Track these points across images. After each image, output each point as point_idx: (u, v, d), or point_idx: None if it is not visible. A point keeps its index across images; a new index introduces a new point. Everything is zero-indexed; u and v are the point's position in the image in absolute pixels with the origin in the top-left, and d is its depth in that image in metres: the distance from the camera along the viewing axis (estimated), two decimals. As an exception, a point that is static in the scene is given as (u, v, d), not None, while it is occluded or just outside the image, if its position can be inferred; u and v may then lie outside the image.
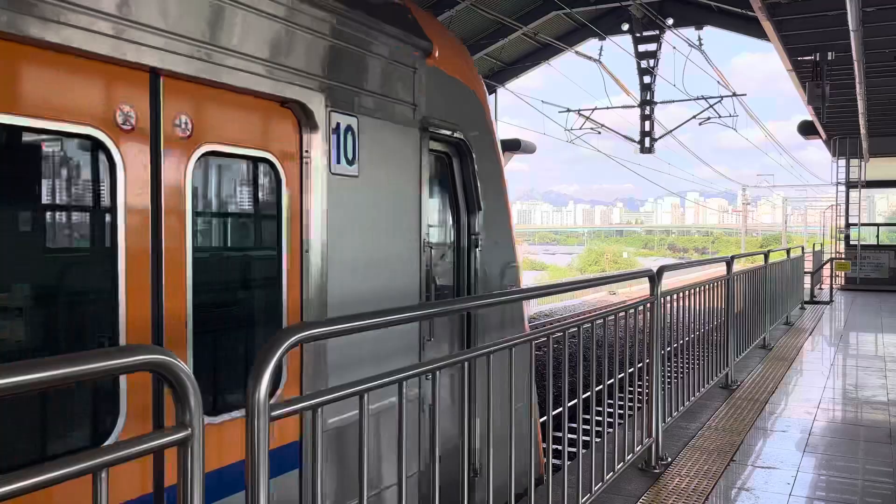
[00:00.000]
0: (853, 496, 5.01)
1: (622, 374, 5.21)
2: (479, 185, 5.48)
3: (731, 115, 23.38)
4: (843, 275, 23.41)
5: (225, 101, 3.32)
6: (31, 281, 2.76)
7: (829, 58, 13.69)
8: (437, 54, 4.86)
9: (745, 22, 19.24)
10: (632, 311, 5.03)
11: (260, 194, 3.62)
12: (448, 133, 5.09)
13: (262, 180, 3.60)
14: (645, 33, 21.25)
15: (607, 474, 4.53)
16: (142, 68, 2.91)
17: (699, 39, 20.77)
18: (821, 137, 24.06)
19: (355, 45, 4.03)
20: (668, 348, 7.27)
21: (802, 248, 18.67)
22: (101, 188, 2.88)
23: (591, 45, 22.92)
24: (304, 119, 3.71)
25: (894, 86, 15.69)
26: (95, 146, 2.82)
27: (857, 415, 7.16)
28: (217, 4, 3.18)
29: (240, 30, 3.29)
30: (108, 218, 2.89)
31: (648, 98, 22.70)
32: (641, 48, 21.77)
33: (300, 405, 2.23)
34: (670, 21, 20.52)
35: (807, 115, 20.82)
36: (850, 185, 24.98)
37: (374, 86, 4.19)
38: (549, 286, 4.79)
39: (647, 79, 22.31)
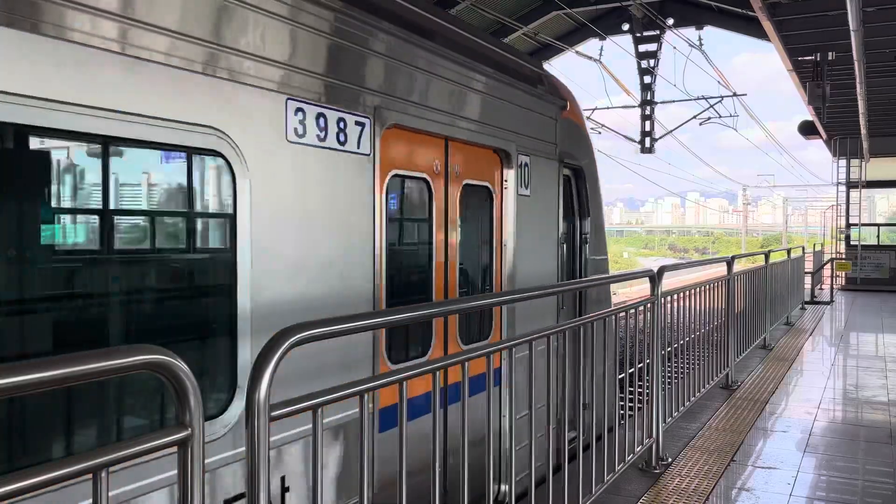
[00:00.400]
0: (853, 496, 5.00)
1: (622, 375, 5.21)
2: (588, 197, 7.29)
3: (731, 115, 23.40)
4: (843, 275, 23.41)
5: (472, 153, 5.20)
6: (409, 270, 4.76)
7: (830, 58, 13.69)
8: (567, 108, 6.82)
9: (746, 22, 19.24)
10: (632, 311, 5.03)
11: (484, 209, 5.48)
12: (573, 162, 6.93)
13: (486, 200, 5.48)
14: (645, 33, 21.23)
15: (608, 475, 4.53)
16: (441, 138, 4.84)
17: (699, 39, 20.78)
18: (821, 137, 24.08)
19: (529, 108, 5.91)
20: (669, 348, 7.27)
21: (803, 249, 18.67)
22: (430, 210, 4.81)
23: (591, 45, 22.90)
24: (505, 160, 5.59)
25: (895, 86, 15.69)
26: (427, 184, 4.75)
27: (857, 415, 7.16)
28: (465, 92, 5.04)
29: (479, 107, 5.22)
30: (432, 225, 4.84)
31: (649, 98, 22.69)
32: (642, 48, 21.75)
33: (301, 405, 2.23)
34: (671, 21, 20.51)
35: (807, 115, 20.84)
36: (851, 185, 24.98)
37: (538, 135, 6.07)
38: (551, 287, 4.85)
39: (647, 79, 22.30)
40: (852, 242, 24.77)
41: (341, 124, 3.75)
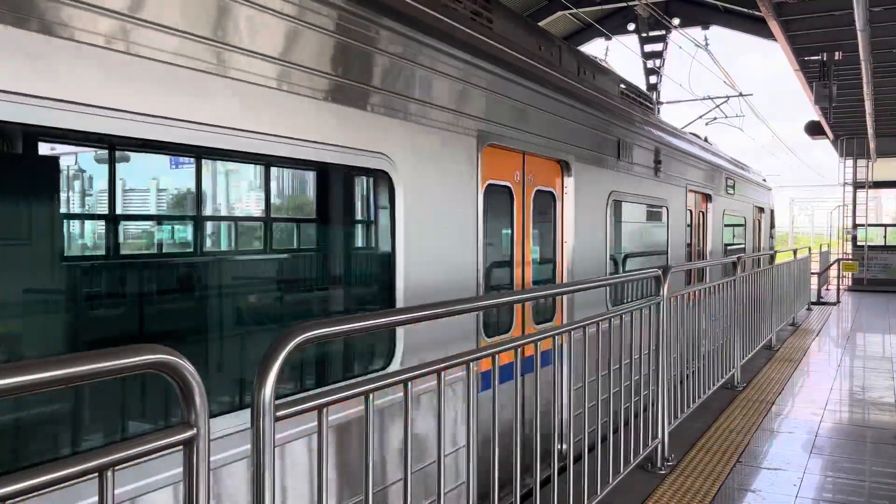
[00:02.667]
0: (860, 498, 4.98)
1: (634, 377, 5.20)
2: None
3: (737, 116, 23.30)
4: (850, 276, 23.32)
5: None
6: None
7: (837, 58, 13.65)
8: None
9: (752, 22, 19.18)
10: (637, 311, 5.02)
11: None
12: None
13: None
14: (651, 33, 21.17)
15: (613, 476, 4.52)
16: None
17: (705, 39, 20.71)
18: (828, 138, 23.99)
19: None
20: (674, 349, 7.25)
21: (809, 249, 18.60)
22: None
23: (596, 45, 22.87)
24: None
25: (902, 86, 15.63)
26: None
27: (864, 416, 7.13)
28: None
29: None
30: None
31: (655, 98, 22.63)
32: (647, 48, 21.69)
33: (306, 405, 2.23)
34: (676, 21, 20.44)
35: (814, 115, 20.77)
36: (858, 185, 24.89)
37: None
38: (553, 287, 4.89)
39: (653, 79, 22.23)
40: (859, 243, 24.68)
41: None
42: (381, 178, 4.09)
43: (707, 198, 11.16)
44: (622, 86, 8.48)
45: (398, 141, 4.12)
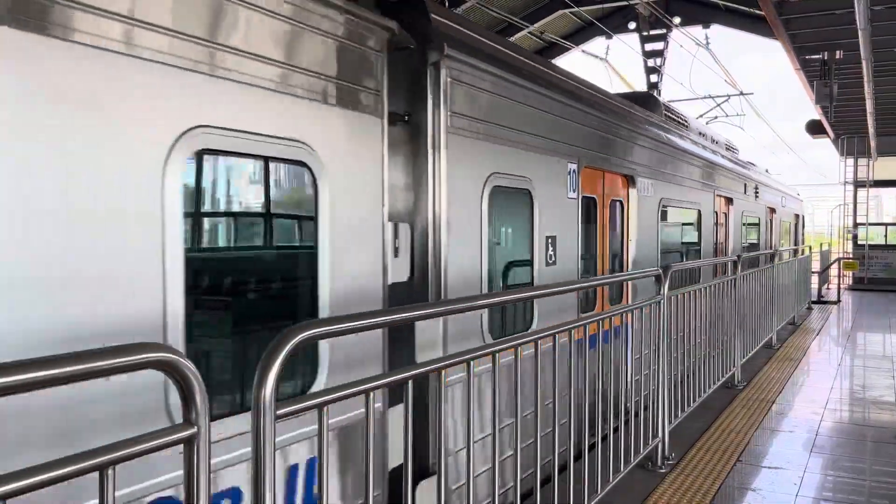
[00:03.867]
0: (860, 497, 4.98)
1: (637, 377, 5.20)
2: None
3: (738, 115, 23.28)
4: (850, 275, 23.31)
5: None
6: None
7: (837, 56, 13.63)
8: None
9: (753, 21, 19.17)
10: (638, 310, 5.02)
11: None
12: None
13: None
14: (652, 32, 21.13)
15: (614, 475, 4.52)
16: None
17: (706, 38, 20.68)
18: (829, 136, 23.98)
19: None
20: (675, 348, 7.24)
21: (810, 248, 18.58)
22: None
23: (597, 44, 22.84)
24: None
25: (903, 85, 15.61)
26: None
27: (864, 415, 7.13)
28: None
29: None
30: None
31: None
32: (648, 47, 21.65)
33: (306, 403, 2.23)
34: (677, 20, 20.42)
35: (814, 114, 20.75)
36: (858, 184, 24.88)
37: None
38: (553, 287, 4.89)
39: (654, 77, 22.18)
40: (859, 242, 24.66)
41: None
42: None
43: (773, 210, 16.26)
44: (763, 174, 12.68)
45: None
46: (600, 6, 20.34)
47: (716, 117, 22.92)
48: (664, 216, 8.63)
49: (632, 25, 21.20)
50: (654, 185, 8.22)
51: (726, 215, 12.19)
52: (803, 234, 22.84)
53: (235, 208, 3.25)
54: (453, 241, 4.39)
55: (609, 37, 21.62)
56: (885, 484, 5.24)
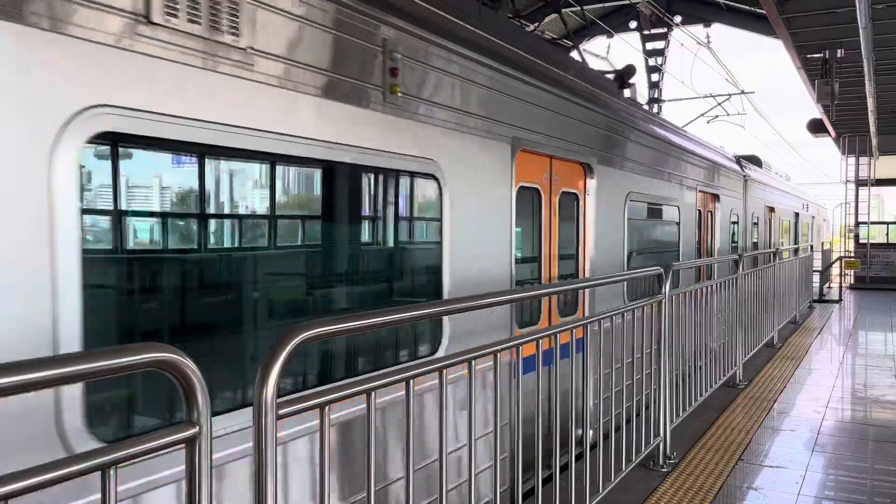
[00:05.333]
0: (862, 496, 4.98)
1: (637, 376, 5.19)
2: None
3: (739, 114, 23.25)
4: (852, 273, 23.28)
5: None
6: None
7: (839, 55, 13.61)
8: None
9: (754, 19, 19.14)
10: (640, 309, 5.02)
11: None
12: None
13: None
14: (653, 31, 21.13)
15: (615, 474, 4.52)
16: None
17: (707, 37, 20.66)
18: (830, 135, 23.94)
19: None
20: (676, 347, 7.24)
21: (811, 247, 18.57)
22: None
23: (598, 43, 22.82)
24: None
25: (904, 83, 15.59)
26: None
27: (866, 414, 7.13)
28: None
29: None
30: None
31: (656, 96, 22.58)
32: (649, 46, 21.65)
33: (308, 403, 2.23)
34: (678, 18, 20.41)
35: (816, 112, 20.72)
36: (860, 183, 24.84)
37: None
38: (554, 286, 4.87)
39: (654, 76, 22.19)
40: (861, 241, 24.63)
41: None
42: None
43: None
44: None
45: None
46: (601, 5, 20.33)
47: (717, 116, 22.89)
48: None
49: (633, 24, 21.19)
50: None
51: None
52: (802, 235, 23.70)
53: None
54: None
55: (610, 36, 21.61)
56: (887, 483, 5.23)
